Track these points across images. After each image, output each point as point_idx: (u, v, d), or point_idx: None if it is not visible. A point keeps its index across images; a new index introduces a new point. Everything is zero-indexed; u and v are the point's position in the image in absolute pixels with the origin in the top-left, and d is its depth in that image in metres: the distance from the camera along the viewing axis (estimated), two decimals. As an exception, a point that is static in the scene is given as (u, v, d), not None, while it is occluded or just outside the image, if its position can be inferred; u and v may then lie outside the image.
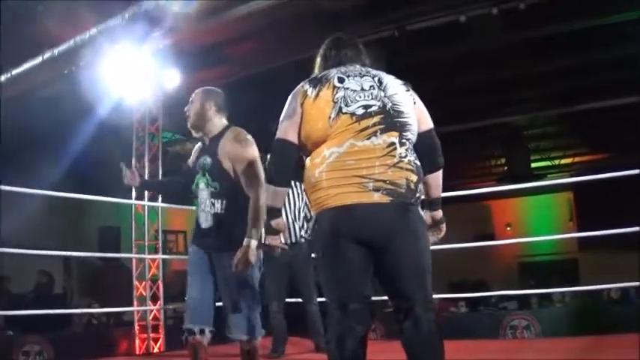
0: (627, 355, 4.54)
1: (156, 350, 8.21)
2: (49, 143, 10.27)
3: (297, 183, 6.43)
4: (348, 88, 2.86)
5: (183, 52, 8.24)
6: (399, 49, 8.04)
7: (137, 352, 8.14)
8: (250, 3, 6.86)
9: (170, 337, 8.11)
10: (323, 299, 3.21)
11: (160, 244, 8.82)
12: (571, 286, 10.24)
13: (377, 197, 2.69)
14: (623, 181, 6.38)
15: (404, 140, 2.80)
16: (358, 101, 2.82)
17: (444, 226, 3.16)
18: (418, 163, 2.83)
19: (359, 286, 2.79)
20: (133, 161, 8.77)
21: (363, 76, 2.93)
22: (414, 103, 2.94)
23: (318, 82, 2.93)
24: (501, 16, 7.43)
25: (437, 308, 2.87)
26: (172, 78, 8.57)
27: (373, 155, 2.73)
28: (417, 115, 2.92)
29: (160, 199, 8.47)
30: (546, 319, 7.88)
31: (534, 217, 17.95)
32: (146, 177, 8.55)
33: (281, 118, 2.96)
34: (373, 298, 2.87)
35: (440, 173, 3.04)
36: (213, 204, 4.01)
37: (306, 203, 6.46)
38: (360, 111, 2.80)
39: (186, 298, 4.11)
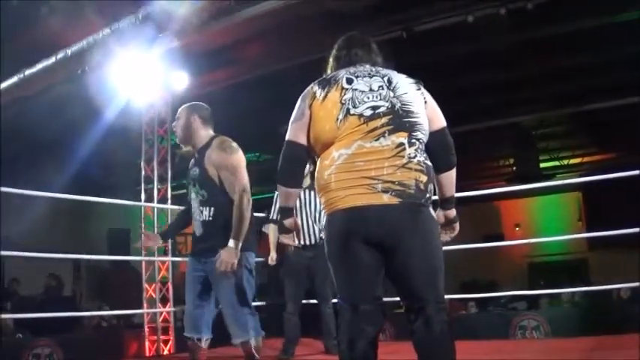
0: (638, 356, 4.52)
1: (166, 352, 8.23)
2: (58, 146, 10.32)
3: None
4: (356, 89, 2.85)
5: (191, 54, 8.25)
6: (407, 50, 8.03)
7: (147, 355, 8.15)
8: (258, 5, 6.87)
9: (180, 339, 8.10)
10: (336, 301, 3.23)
11: (170, 247, 8.84)
12: (580, 286, 10.22)
13: (386, 198, 2.68)
14: (632, 181, 6.35)
15: (413, 140, 2.78)
16: (366, 102, 2.81)
17: (457, 225, 3.13)
18: (429, 163, 2.81)
19: (370, 287, 2.79)
20: (142, 164, 8.80)
21: (373, 76, 2.91)
22: (425, 102, 2.92)
23: (326, 84, 2.92)
24: (509, 16, 7.42)
25: (448, 309, 2.86)
26: (181, 80, 8.60)
27: (382, 156, 2.72)
28: (428, 114, 2.90)
29: (169, 201, 8.51)
30: (556, 319, 7.86)
31: (543, 217, 17.92)
32: (155, 181, 8.59)
33: (291, 120, 2.96)
34: (383, 299, 2.87)
35: (453, 172, 3.00)
36: (202, 212, 4.15)
37: None
38: (368, 112, 2.79)
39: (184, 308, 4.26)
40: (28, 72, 7.92)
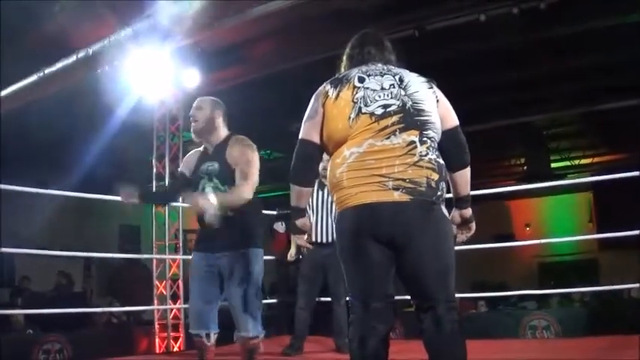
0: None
1: (176, 349, 8.26)
2: (70, 143, 10.34)
3: None
4: (368, 88, 2.86)
5: (202, 52, 8.27)
6: (418, 49, 8.02)
7: (157, 351, 8.19)
8: (269, 3, 6.87)
9: (190, 336, 8.13)
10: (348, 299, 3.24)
11: (181, 244, 8.87)
12: (591, 286, 10.20)
13: (397, 196, 2.69)
14: (643, 181, 6.33)
15: (425, 139, 2.78)
16: (377, 101, 2.82)
17: (473, 225, 3.11)
18: (441, 161, 2.81)
19: (381, 285, 2.80)
20: (154, 161, 8.83)
21: (384, 74, 2.92)
22: (437, 100, 2.92)
23: (339, 83, 2.93)
24: (522, 16, 7.40)
25: (459, 308, 2.86)
26: (192, 78, 8.61)
27: (393, 154, 2.72)
28: (441, 113, 2.90)
29: (180, 199, 8.53)
30: (566, 318, 7.85)
31: (554, 217, 17.88)
32: (167, 177, 8.61)
33: (304, 119, 2.98)
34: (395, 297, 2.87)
35: (467, 171, 2.99)
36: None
37: None
38: (380, 110, 2.79)
39: (188, 304, 4.25)
40: (47, 71, 7.91)
